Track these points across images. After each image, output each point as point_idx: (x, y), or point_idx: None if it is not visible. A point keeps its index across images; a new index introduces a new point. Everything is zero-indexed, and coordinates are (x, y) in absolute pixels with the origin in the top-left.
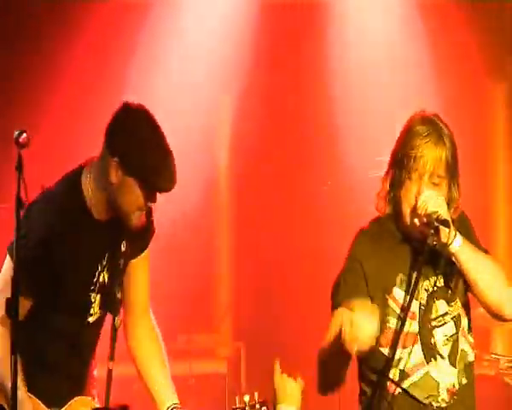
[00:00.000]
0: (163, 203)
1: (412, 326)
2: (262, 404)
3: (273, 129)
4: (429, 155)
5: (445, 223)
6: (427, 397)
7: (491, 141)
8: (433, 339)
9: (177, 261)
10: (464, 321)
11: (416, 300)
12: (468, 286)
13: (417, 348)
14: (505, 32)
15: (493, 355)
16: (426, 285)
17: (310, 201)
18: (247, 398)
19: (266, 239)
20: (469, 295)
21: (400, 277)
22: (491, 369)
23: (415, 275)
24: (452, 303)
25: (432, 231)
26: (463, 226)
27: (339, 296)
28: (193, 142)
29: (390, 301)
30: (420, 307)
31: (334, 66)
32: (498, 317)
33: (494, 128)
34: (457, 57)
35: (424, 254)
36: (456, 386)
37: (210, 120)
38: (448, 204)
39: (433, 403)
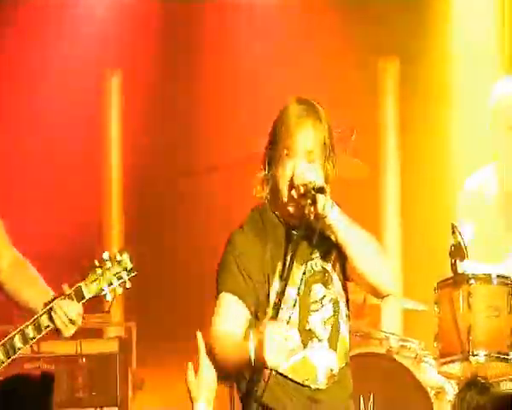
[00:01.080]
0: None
1: (290, 313)
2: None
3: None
4: (304, 133)
5: (321, 190)
6: (306, 380)
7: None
8: (310, 323)
9: None
10: (342, 304)
11: (293, 286)
12: (345, 268)
13: (295, 332)
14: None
15: (383, 333)
16: (303, 269)
17: (200, 187)
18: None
19: (156, 223)
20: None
21: (272, 265)
22: (382, 347)
23: (288, 260)
24: (330, 286)
25: (309, 201)
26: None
27: (226, 286)
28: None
29: (272, 294)
30: (298, 293)
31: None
32: (375, 292)
33: (384, 108)
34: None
35: (300, 228)
36: (336, 370)
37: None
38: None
39: (312, 385)
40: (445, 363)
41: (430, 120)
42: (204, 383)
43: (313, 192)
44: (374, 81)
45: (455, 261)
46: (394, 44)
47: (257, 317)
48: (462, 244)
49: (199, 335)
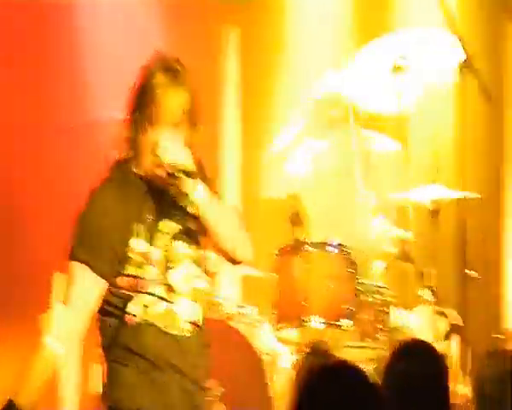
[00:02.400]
0: None
1: (152, 271)
2: None
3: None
4: (169, 102)
5: (189, 174)
6: (168, 327)
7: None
8: (172, 279)
9: None
10: (203, 261)
11: (155, 244)
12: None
13: (159, 288)
14: None
15: (220, 299)
16: (165, 227)
17: (52, 144)
18: None
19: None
20: None
21: (136, 225)
22: (218, 313)
23: (151, 219)
24: (192, 244)
25: (175, 182)
26: (201, 173)
27: (79, 255)
28: None
29: (130, 254)
30: (160, 250)
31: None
32: (231, 260)
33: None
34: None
35: (162, 202)
36: (199, 320)
37: None
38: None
39: (176, 332)
40: (282, 329)
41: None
42: None
43: (181, 175)
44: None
45: (293, 228)
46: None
47: (119, 275)
48: (301, 212)
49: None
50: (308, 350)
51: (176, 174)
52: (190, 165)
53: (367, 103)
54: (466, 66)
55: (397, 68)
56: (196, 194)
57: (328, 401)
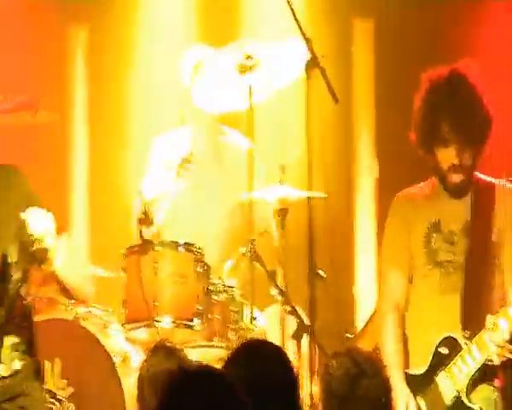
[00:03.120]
0: None
1: None
2: None
3: None
4: None
5: None
6: None
7: None
8: None
9: None
10: None
11: None
12: None
13: None
14: None
15: (70, 300)
16: None
17: None
18: None
19: None
20: None
21: None
22: (69, 313)
23: None
24: None
25: None
26: None
27: None
28: None
29: None
30: None
31: None
32: None
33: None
34: None
35: None
36: None
37: None
38: None
39: None
40: (131, 329)
41: (117, 78)
42: None
43: None
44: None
45: (141, 228)
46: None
47: None
48: (149, 212)
49: None
50: (151, 350)
51: None
52: None
53: (217, 104)
54: (314, 66)
55: (244, 68)
56: None
57: (189, 407)
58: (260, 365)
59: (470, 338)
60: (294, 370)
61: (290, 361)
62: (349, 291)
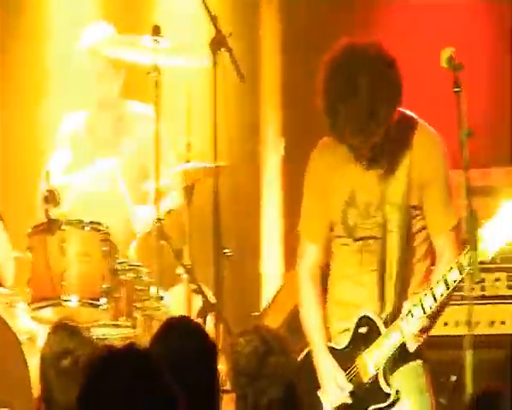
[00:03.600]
0: None
1: None
2: None
3: None
4: None
5: None
6: None
7: None
8: None
9: None
10: None
11: None
12: None
13: None
14: None
15: None
16: None
17: None
18: None
19: None
20: None
21: None
22: None
23: None
24: None
25: None
26: None
27: None
28: None
29: None
30: None
31: None
32: None
33: None
34: None
35: None
36: None
37: None
38: None
39: None
40: (37, 308)
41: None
42: None
43: None
44: None
45: (47, 207)
46: None
47: None
48: (55, 190)
49: None
50: (51, 330)
51: None
52: None
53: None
54: (220, 44)
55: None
56: None
57: (109, 390)
58: (179, 340)
59: (389, 319)
60: (214, 343)
61: (209, 335)
62: (255, 270)
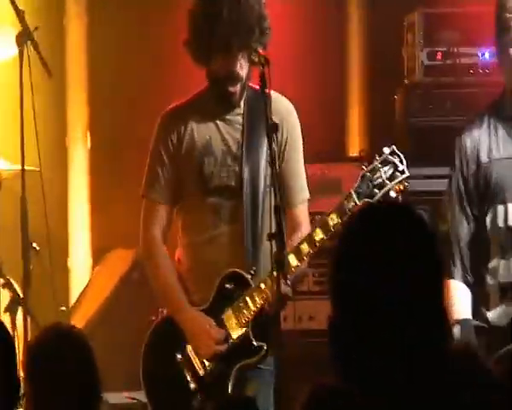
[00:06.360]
0: None
1: None
2: None
3: None
4: None
5: None
6: None
7: None
8: None
9: None
10: None
11: None
12: None
13: None
14: None
15: None
16: None
17: None
18: None
19: None
20: None
21: None
22: None
23: None
24: None
25: None
26: None
27: None
28: None
29: None
30: None
31: None
32: None
33: None
34: None
35: None
36: None
37: None
38: None
39: None
40: None
41: None
42: None
43: None
44: None
45: None
46: None
47: None
48: None
49: None
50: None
51: None
52: None
53: None
54: (26, 38)
55: None
56: None
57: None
58: None
59: (255, 275)
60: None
61: (9, 333)
62: (64, 264)
